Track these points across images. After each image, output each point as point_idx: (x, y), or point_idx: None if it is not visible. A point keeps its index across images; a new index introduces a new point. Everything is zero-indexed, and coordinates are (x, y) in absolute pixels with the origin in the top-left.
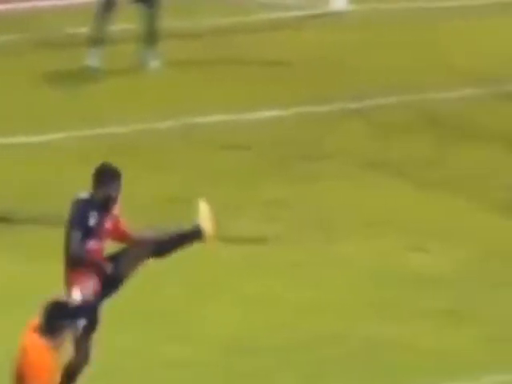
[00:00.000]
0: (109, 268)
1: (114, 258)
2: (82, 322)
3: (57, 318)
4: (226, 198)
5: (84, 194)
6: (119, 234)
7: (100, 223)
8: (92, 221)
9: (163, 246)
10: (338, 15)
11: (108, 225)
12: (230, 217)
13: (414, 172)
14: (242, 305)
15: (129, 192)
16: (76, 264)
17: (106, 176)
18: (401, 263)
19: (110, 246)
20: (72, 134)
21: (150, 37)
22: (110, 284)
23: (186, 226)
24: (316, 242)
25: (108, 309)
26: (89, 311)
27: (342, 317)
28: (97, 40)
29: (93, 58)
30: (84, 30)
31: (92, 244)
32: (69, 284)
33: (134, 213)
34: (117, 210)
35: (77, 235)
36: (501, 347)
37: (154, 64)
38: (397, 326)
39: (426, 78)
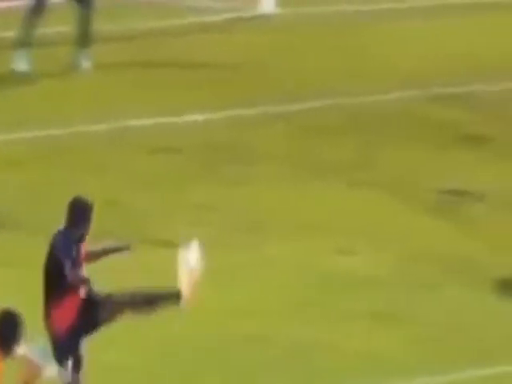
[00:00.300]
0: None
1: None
2: (69, 363)
3: (8, 330)
4: (156, 201)
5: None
6: (86, 256)
7: (79, 254)
8: (74, 252)
9: (138, 303)
10: (266, 18)
11: (82, 252)
12: (160, 220)
13: (342, 174)
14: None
15: (62, 194)
16: (71, 288)
17: (81, 212)
18: (330, 265)
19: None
20: (1, 138)
21: (83, 39)
22: (87, 315)
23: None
24: (246, 244)
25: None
26: (69, 350)
27: (271, 319)
28: (24, 43)
29: (20, 62)
30: (11, 33)
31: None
32: (47, 314)
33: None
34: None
35: (68, 263)
36: (430, 348)
37: (86, 66)
38: (326, 328)
39: (353, 81)
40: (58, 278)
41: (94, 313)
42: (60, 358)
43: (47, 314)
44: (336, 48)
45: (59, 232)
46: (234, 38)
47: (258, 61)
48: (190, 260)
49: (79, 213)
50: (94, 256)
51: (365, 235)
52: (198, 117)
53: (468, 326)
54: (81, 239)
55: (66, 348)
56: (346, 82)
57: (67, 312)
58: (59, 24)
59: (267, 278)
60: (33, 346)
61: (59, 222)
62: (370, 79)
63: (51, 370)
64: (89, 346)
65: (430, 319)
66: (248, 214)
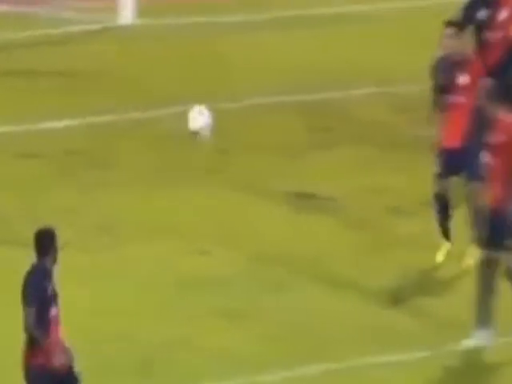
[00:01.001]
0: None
1: None
2: None
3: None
4: (18, 204)
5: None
6: None
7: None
8: (49, 290)
9: None
10: (125, 29)
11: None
12: (21, 222)
13: (196, 179)
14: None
15: None
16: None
17: (48, 241)
18: (185, 266)
19: None
20: None
21: None
22: None
23: None
24: (103, 246)
25: None
26: None
27: (131, 318)
28: None
29: None
30: None
31: (53, 311)
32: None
33: None
34: None
35: (32, 312)
36: (277, 345)
37: None
38: (178, 326)
39: (205, 88)
40: None
41: None
42: None
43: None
44: (192, 57)
45: (33, 268)
46: (94, 47)
47: (116, 70)
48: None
49: (47, 242)
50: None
51: (217, 236)
52: (58, 124)
53: (311, 324)
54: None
55: None
56: (202, 90)
57: None
58: None
59: (126, 278)
60: None
61: None
62: (224, 87)
63: None
64: None
65: (277, 317)
66: (106, 216)
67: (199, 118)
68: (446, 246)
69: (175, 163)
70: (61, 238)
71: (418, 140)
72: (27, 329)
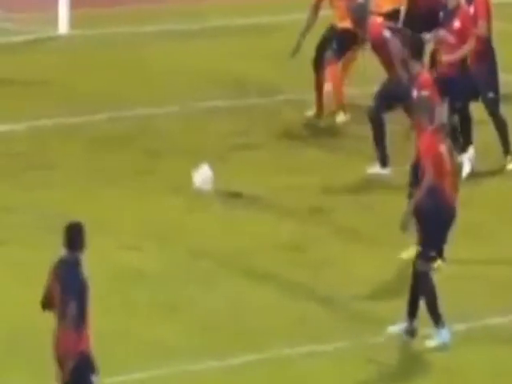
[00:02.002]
0: None
1: None
2: None
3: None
4: None
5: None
6: None
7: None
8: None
9: None
10: (61, 38)
11: None
12: None
13: (128, 180)
14: None
15: None
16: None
17: (79, 234)
18: (116, 261)
19: None
20: None
21: None
22: None
23: None
24: (42, 243)
25: None
26: None
27: None
28: None
29: None
30: None
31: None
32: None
33: None
34: None
35: (74, 304)
36: (208, 336)
37: None
38: (113, 318)
39: (137, 94)
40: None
41: None
42: None
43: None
44: (120, 64)
45: (66, 262)
46: (33, 56)
47: (54, 77)
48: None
49: (78, 236)
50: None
51: (148, 233)
52: (2, 127)
53: (239, 315)
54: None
55: None
56: (130, 96)
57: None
58: None
59: None
60: None
61: None
62: (150, 93)
63: None
64: None
65: (206, 309)
66: (44, 214)
67: (200, 176)
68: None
69: (109, 165)
70: (2, 236)
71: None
72: (69, 320)
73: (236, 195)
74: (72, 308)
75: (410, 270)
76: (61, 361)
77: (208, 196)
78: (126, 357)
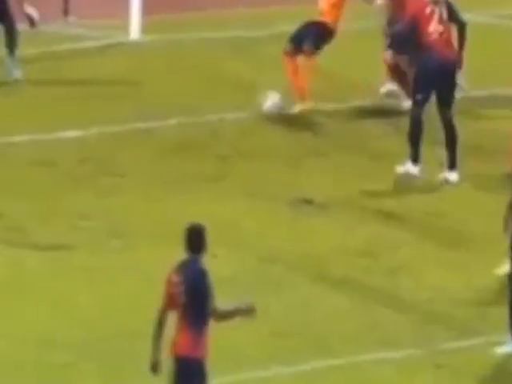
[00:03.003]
0: None
1: None
2: None
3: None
4: (34, 209)
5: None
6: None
7: None
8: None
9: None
10: (131, 45)
11: None
12: (37, 226)
13: (199, 186)
14: (47, 304)
15: None
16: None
17: (201, 238)
18: None
19: None
20: None
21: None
22: None
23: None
24: (113, 249)
25: None
26: None
27: (136, 316)
28: None
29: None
30: None
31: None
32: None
33: None
34: None
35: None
36: (280, 342)
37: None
38: None
39: (207, 100)
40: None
41: None
42: None
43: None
44: (191, 70)
45: (196, 268)
46: (104, 61)
47: (126, 83)
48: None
49: (200, 238)
50: (225, 316)
51: (222, 240)
52: (72, 133)
53: (311, 321)
54: None
55: None
56: (201, 101)
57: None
58: None
59: (132, 279)
60: None
61: None
62: (220, 98)
63: None
64: None
65: (278, 315)
66: (116, 221)
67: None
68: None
69: (180, 171)
70: (74, 241)
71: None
72: (191, 323)
73: (308, 201)
74: (198, 311)
75: (487, 281)
76: (177, 364)
77: (281, 200)
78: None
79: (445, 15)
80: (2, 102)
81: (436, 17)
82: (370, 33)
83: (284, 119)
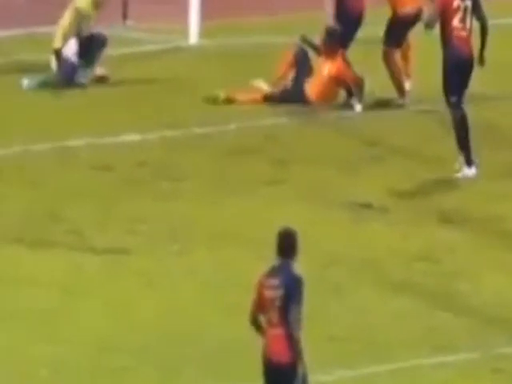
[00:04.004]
0: None
1: None
2: None
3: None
4: (92, 212)
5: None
6: None
7: None
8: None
9: None
10: (190, 49)
11: None
12: (95, 230)
13: (257, 190)
14: (105, 308)
15: (9, 208)
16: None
17: (294, 242)
18: (247, 271)
19: None
20: None
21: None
22: None
23: None
24: (170, 253)
25: None
26: None
27: (194, 319)
28: None
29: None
30: None
31: None
32: None
33: (12, 225)
34: None
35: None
36: (341, 346)
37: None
38: (240, 328)
39: (264, 104)
40: None
41: None
42: None
43: None
44: (249, 74)
45: (295, 276)
46: (165, 65)
47: (185, 87)
48: None
49: (293, 242)
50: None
51: None
52: (132, 137)
53: (370, 325)
54: None
55: None
56: (259, 106)
57: None
58: None
59: (189, 282)
60: None
61: (3, 233)
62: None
63: None
64: None
65: (337, 319)
66: (173, 225)
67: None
68: None
69: (238, 175)
70: (131, 245)
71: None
72: (288, 327)
73: (366, 205)
74: (296, 314)
75: None
76: (270, 369)
77: (339, 205)
78: (249, 367)
79: (469, 11)
80: (62, 106)
81: (461, 12)
82: None
83: (338, 123)
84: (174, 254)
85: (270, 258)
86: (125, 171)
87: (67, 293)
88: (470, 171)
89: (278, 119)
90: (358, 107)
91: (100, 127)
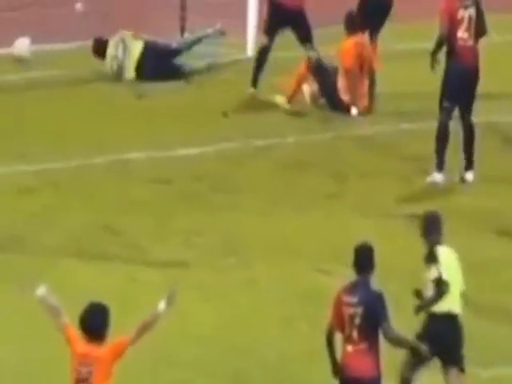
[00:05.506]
0: None
1: None
2: None
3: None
4: (150, 226)
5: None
6: None
7: None
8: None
9: None
10: (251, 62)
11: None
12: (152, 243)
13: (317, 203)
14: (162, 321)
15: (67, 221)
16: None
17: (370, 257)
18: (305, 284)
19: None
20: (6, 170)
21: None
22: None
23: None
24: (227, 265)
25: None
26: None
27: (252, 332)
28: None
29: None
30: None
31: None
32: None
33: (70, 238)
34: None
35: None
36: (396, 357)
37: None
38: (303, 340)
39: (323, 119)
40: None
41: None
42: None
43: None
44: None
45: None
46: (223, 78)
47: (243, 100)
48: None
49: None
50: (399, 341)
51: (338, 257)
52: (191, 150)
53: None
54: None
55: None
56: (318, 119)
57: None
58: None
59: (248, 295)
60: None
61: (61, 245)
62: (340, 116)
63: None
64: None
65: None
66: (230, 238)
67: None
68: None
69: (296, 188)
70: (188, 257)
71: None
72: (392, 344)
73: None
74: (391, 330)
75: None
76: None
77: (397, 217)
78: (308, 380)
79: (473, 21)
80: (121, 119)
81: (465, 22)
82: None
83: (394, 138)
84: (231, 267)
85: (329, 272)
86: (182, 184)
87: (124, 305)
88: (438, 176)
89: (336, 132)
90: (354, 111)
91: (159, 141)
